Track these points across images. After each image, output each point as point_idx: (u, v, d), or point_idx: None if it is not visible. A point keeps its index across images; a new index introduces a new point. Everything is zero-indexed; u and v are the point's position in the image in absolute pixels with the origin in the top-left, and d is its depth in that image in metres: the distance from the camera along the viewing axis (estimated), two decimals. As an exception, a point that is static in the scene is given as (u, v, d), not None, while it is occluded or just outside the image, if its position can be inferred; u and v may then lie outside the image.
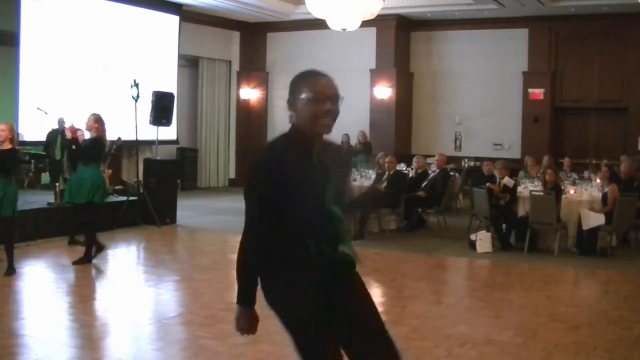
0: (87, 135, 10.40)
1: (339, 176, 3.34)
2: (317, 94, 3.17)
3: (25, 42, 15.34)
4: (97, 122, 9.99)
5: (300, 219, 3.20)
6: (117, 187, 15.49)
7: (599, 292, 9.64)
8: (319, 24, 16.53)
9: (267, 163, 3.16)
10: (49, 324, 7.24)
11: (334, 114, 3.22)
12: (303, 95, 3.18)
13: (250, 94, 22.22)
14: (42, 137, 14.35)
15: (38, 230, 11.84)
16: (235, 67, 22.22)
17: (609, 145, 18.45)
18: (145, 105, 14.63)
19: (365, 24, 15.09)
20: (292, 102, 3.25)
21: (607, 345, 6.77)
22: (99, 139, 10.10)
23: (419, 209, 14.14)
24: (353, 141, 18.77)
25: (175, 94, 16.55)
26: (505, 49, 19.38)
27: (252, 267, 3.26)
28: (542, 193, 11.74)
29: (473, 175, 15.22)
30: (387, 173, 13.66)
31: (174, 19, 19.05)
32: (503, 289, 9.47)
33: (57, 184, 12.97)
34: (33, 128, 14.85)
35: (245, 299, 3.30)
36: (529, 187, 12.51)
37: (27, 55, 15.37)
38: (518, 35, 19.24)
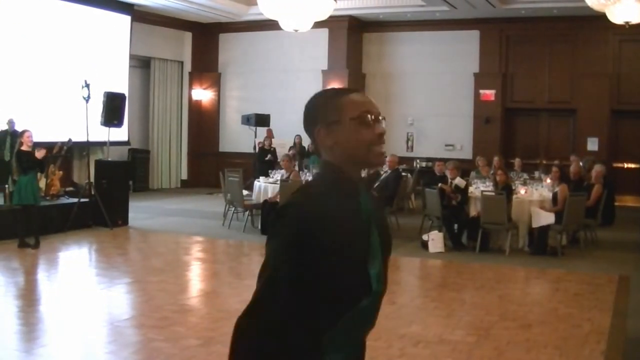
0: None
1: (386, 248, 2.40)
2: (367, 114, 2.41)
3: (-27, 42, 15.07)
4: None
5: (328, 310, 2.18)
6: (68, 189, 15.29)
7: (550, 290, 9.76)
8: (271, 25, 16.52)
9: (303, 223, 2.15)
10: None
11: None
12: (348, 118, 2.35)
13: (202, 94, 22.11)
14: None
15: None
16: (188, 67, 22.08)
17: (558, 146, 18.73)
18: (97, 106, 14.44)
19: (318, 25, 15.11)
20: (326, 130, 2.34)
21: (557, 343, 6.87)
22: None
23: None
24: (305, 142, 18.74)
25: (126, 95, 16.37)
26: (457, 51, 19.55)
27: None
28: (493, 193, 11.86)
29: (425, 176, 15.32)
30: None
31: (126, 19, 18.85)
32: (455, 289, 9.54)
33: (7, 186, 12.77)
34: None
35: None
36: (480, 188, 12.64)
37: (-26, 55, 15.09)
38: (469, 37, 19.43)
